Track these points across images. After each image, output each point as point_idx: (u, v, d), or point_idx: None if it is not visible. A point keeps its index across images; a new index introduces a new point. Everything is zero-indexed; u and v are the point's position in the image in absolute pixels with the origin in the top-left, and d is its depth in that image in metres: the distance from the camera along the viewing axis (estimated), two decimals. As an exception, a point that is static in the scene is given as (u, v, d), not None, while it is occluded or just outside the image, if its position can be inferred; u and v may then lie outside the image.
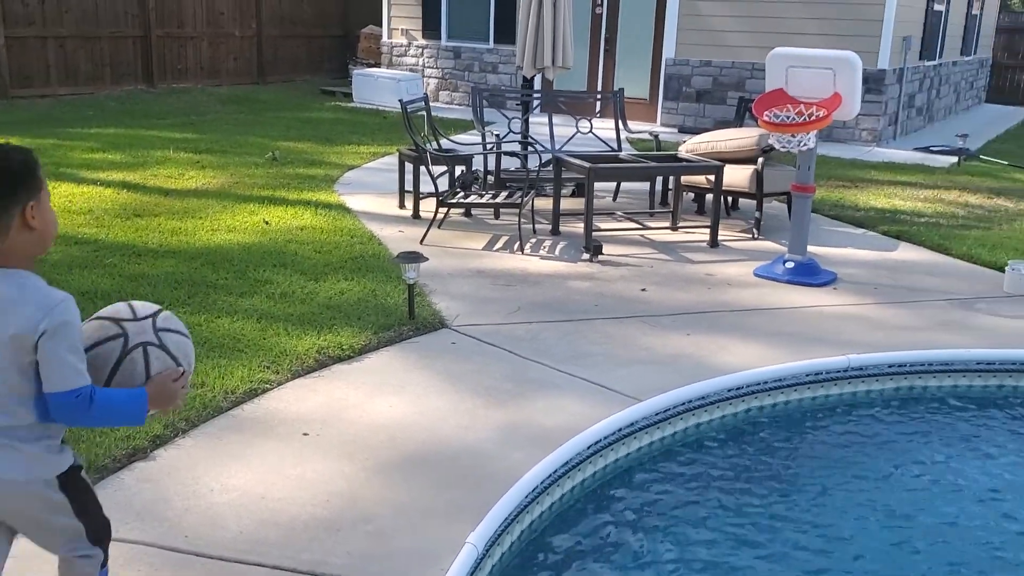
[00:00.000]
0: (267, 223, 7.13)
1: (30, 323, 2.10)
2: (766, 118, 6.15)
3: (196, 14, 16.01)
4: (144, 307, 2.40)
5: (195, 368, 3.89)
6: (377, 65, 16.71)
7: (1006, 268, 6.30)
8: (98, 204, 7.51)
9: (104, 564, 2.42)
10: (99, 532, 2.39)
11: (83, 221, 6.96)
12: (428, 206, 7.55)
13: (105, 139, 10.57)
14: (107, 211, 7.31)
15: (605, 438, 3.86)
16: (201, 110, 13.49)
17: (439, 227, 7.20)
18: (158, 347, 2.31)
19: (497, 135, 8.27)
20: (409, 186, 7.82)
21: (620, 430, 3.93)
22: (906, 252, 7.18)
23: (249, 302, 5.35)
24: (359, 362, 4.62)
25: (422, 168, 7.44)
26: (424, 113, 7.91)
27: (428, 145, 7.63)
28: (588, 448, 3.75)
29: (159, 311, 2.42)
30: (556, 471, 3.53)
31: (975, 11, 17.30)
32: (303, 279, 5.79)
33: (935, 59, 14.70)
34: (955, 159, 11.49)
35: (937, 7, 14.16)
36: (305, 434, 3.86)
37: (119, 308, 2.38)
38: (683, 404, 4.25)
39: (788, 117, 6.04)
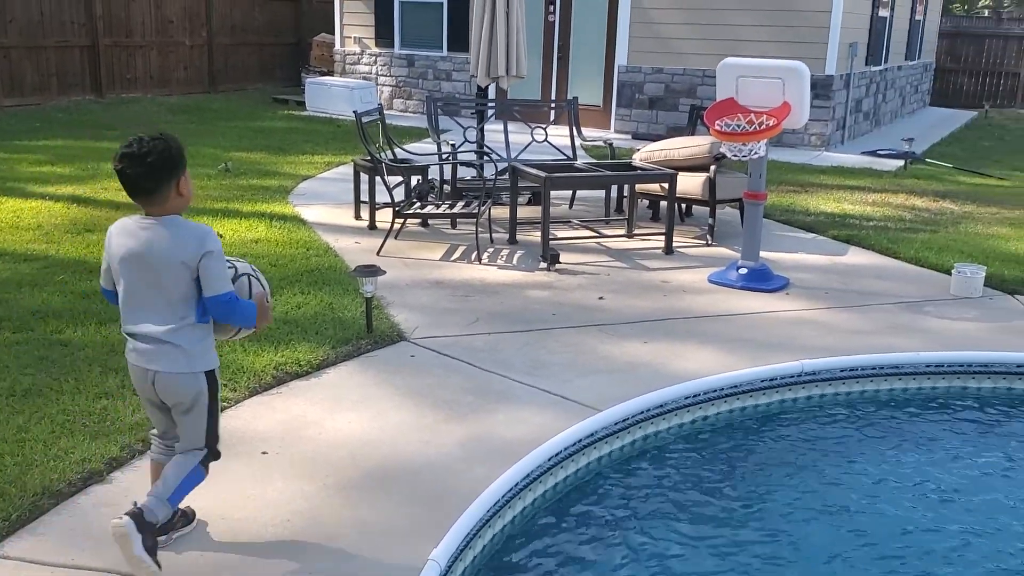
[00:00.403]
0: (220, 236, 7.04)
1: (192, 251, 2.89)
2: (717, 127, 6.24)
3: (145, 23, 15.80)
4: (239, 264, 3.21)
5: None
6: (330, 73, 16.62)
7: (952, 271, 6.46)
8: (47, 219, 7.39)
9: (206, 466, 3.11)
10: (212, 434, 3.12)
11: (32, 237, 6.84)
12: (384, 216, 7.53)
13: (53, 151, 10.39)
14: (57, 226, 7.18)
15: (565, 449, 3.89)
16: (152, 120, 13.31)
17: (396, 238, 7.19)
18: (256, 279, 3.20)
19: (452, 144, 8.29)
20: (365, 196, 7.80)
21: (580, 441, 3.96)
22: (856, 256, 7.32)
23: (205, 318, 5.29)
24: (317, 378, 4.60)
25: (378, 178, 7.43)
26: (379, 122, 7.90)
27: (383, 155, 7.62)
28: (549, 460, 3.77)
29: (252, 267, 3.28)
30: (517, 484, 3.55)
31: (918, 16, 17.70)
32: (259, 293, 5.74)
33: (881, 64, 15.02)
34: (901, 162, 11.75)
35: (882, 13, 14.47)
36: (264, 453, 3.84)
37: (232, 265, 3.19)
38: (642, 413, 4.30)
39: (739, 126, 6.14)
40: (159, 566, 2.90)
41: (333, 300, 5.65)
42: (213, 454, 3.14)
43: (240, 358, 4.70)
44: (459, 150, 8.29)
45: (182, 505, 3.17)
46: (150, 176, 2.90)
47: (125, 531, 2.84)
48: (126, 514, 2.87)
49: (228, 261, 3.08)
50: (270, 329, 5.13)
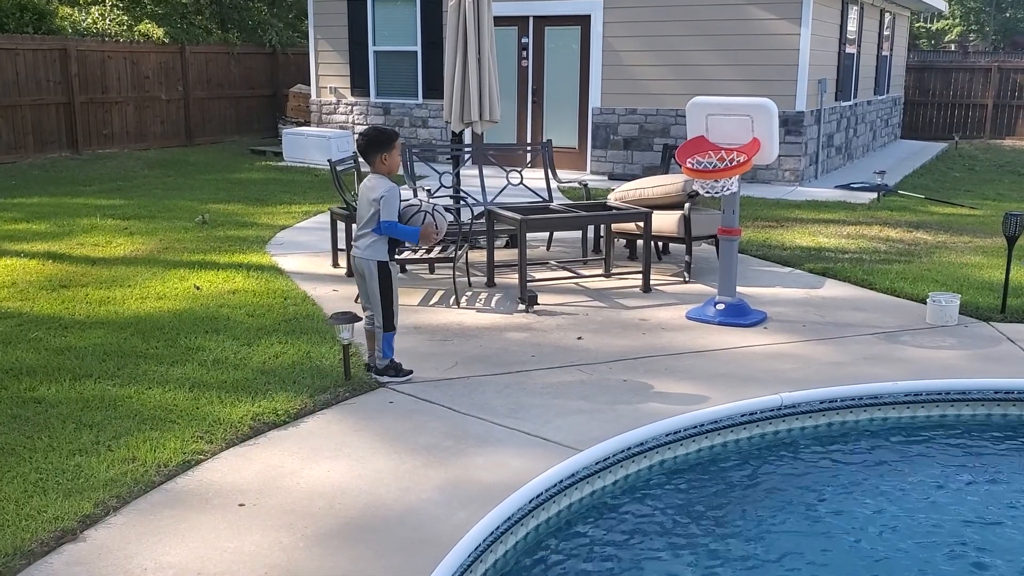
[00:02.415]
0: (198, 288, 7.04)
1: (378, 193, 4.97)
2: (689, 165, 6.30)
3: (121, 79, 15.88)
4: (437, 202, 5.35)
5: (126, 443, 4.18)
6: (307, 124, 16.72)
7: (927, 300, 6.51)
8: (22, 276, 7.34)
9: (392, 336, 5.14)
10: (387, 311, 5.09)
11: (6, 295, 6.79)
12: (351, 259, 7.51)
13: (28, 208, 10.36)
14: (31, 283, 7.14)
15: (546, 491, 3.86)
16: (128, 175, 13.32)
17: (360, 281, 7.17)
18: (430, 214, 5.07)
19: (428, 190, 8.32)
20: (342, 244, 7.80)
21: (560, 482, 3.93)
22: (832, 288, 7.37)
23: (181, 371, 5.26)
24: (295, 427, 4.56)
25: (354, 226, 7.42)
26: (355, 170, 7.93)
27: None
28: (529, 503, 3.74)
29: (435, 205, 5.18)
30: (498, 528, 3.52)
31: (885, 52, 18.05)
32: (236, 344, 5.71)
33: (850, 99, 15.26)
34: (874, 195, 11.89)
35: (849, 50, 14.74)
36: (241, 505, 3.78)
37: (421, 196, 6.06)
38: (622, 451, 4.28)
39: (710, 164, 6.20)
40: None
41: (311, 348, 5.62)
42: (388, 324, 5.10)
43: (217, 409, 4.66)
44: (435, 195, 8.31)
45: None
46: (366, 148, 5.07)
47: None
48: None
49: (416, 203, 5.18)
50: (247, 379, 5.11)
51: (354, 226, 7.41)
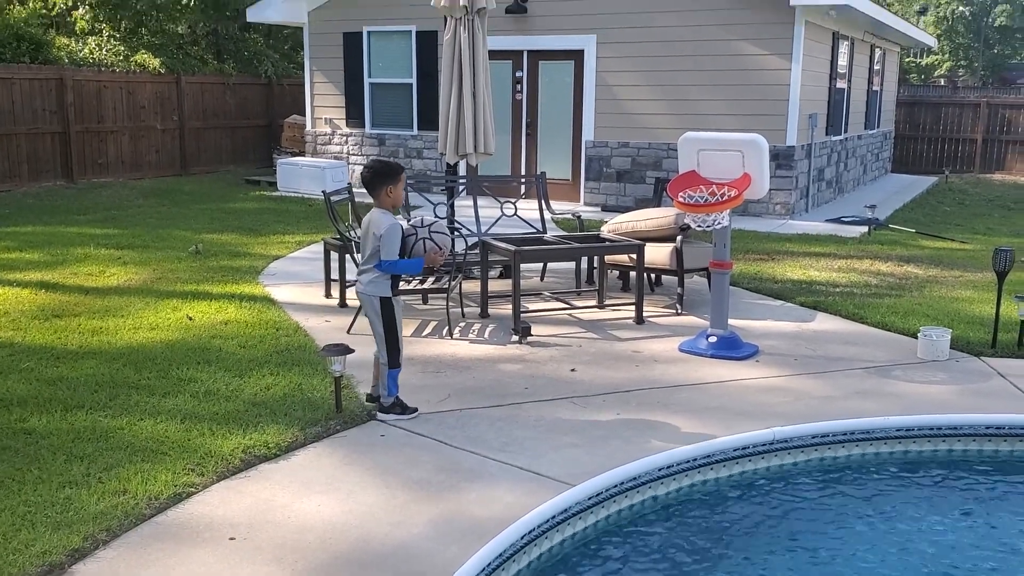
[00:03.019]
0: (191, 319, 7.03)
1: (381, 230, 4.93)
2: (681, 199, 6.35)
3: (116, 109, 15.95)
4: (427, 219, 5.19)
5: (117, 475, 4.11)
6: (302, 154, 16.80)
7: (919, 334, 6.54)
8: (14, 306, 7.33)
9: (396, 372, 5.13)
10: (392, 347, 5.08)
11: (-2, 324, 6.77)
12: (355, 294, 7.53)
13: (22, 238, 10.36)
14: (24, 312, 7.13)
15: (539, 526, 3.84)
16: (123, 204, 13.35)
17: (366, 315, 7.17)
18: (428, 238, 5.06)
19: (420, 219, 8.33)
20: (335, 274, 7.82)
21: (553, 517, 3.92)
22: (823, 322, 7.40)
23: (172, 402, 5.24)
24: (286, 460, 4.54)
25: (348, 256, 7.45)
26: (349, 201, 7.96)
27: (353, 234, 7.67)
28: (522, 538, 3.72)
29: (434, 223, 5.17)
30: (489, 564, 3.50)
31: (875, 87, 18.24)
32: (228, 375, 5.70)
33: (841, 134, 15.41)
34: (865, 229, 11.97)
35: (839, 85, 14.90)
36: (232, 539, 3.76)
37: (414, 222, 5.14)
38: (615, 486, 4.27)
39: (701, 198, 6.25)
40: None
41: (303, 380, 5.61)
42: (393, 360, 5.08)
43: (208, 442, 4.65)
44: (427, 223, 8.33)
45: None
46: (371, 180, 5.03)
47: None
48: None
49: (413, 226, 5.07)
50: (238, 411, 5.09)
51: (358, 256, 7.47)
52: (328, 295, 7.93)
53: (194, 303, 7.50)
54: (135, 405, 5.18)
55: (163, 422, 4.92)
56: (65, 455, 4.48)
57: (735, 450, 4.73)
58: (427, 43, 14.74)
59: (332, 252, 7.88)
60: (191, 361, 5.98)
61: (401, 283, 7.23)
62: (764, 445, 4.80)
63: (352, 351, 5.13)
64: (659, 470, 4.46)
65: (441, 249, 5.11)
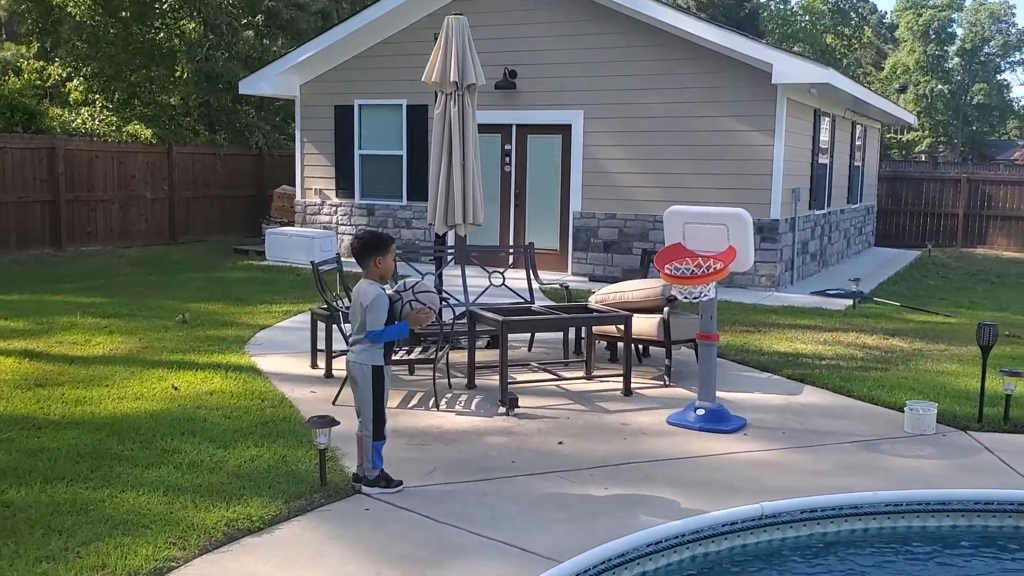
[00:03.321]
0: (176, 389, 6.98)
1: (368, 300, 4.94)
2: (667, 271, 6.40)
3: (107, 178, 16.07)
4: (410, 282, 5.14)
5: (96, 549, 4.09)
6: (291, 224, 16.89)
7: (905, 408, 6.55)
8: (-3, 375, 7.26)
9: (381, 444, 5.06)
10: (377, 419, 5.03)
11: (-20, 394, 6.70)
12: (341, 365, 7.50)
13: (7, 306, 10.31)
14: (6, 382, 7.06)
15: (525, 603, 3.78)
16: (111, 273, 13.35)
17: (351, 386, 7.14)
18: (415, 301, 5.03)
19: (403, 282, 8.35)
20: (322, 344, 7.80)
21: (540, 594, 3.86)
22: (810, 395, 7.41)
23: (156, 473, 5.17)
24: (269, 534, 4.47)
25: (335, 326, 7.45)
26: (337, 271, 7.99)
27: (340, 304, 7.68)
28: (508, 615, 3.66)
29: (417, 283, 5.13)
30: (475, 642, 3.43)
31: (857, 163, 18.58)
32: (212, 447, 5.65)
33: (824, 208, 15.63)
34: (850, 302, 12.06)
35: (822, 160, 15.17)
36: (212, 616, 3.68)
37: (397, 287, 5.10)
38: (603, 563, 4.21)
39: (688, 270, 6.31)
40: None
41: (287, 452, 5.56)
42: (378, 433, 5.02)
43: (191, 514, 4.58)
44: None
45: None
46: (361, 251, 5.06)
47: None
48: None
49: (397, 291, 5.04)
50: (222, 483, 5.03)
51: (345, 326, 7.47)
52: (314, 365, 7.90)
53: (180, 373, 7.46)
54: (117, 476, 5.11)
55: (145, 494, 4.85)
56: (43, 528, 4.40)
57: (723, 525, 4.69)
58: (417, 116, 14.98)
59: (319, 322, 7.87)
60: (175, 432, 5.92)
61: (393, 353, 7.25)
62: (753, 520, 4.76)
63: (337, 423, 5.09)
64: (647, 546, 4.41)
65: (427, 307, 5.08)
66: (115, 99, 18.67)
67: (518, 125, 14.40)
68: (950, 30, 66.12)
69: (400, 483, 5.09)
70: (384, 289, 5.07)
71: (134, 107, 18.79)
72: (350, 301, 8.21)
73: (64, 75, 19.17)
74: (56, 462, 5.31)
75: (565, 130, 14.04)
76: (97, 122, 17.24)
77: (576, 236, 14.12)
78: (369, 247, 5.05)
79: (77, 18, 17.92)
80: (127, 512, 4.61)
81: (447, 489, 5.13)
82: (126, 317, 9.85)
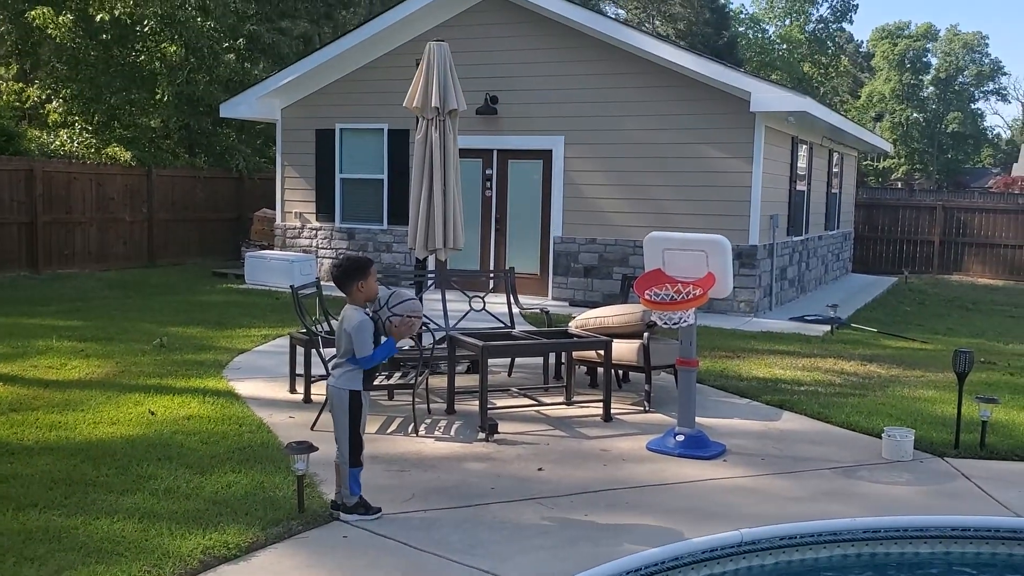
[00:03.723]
0: (152, 414, 6.91)
1: (352, 326, 4.92)
2: (647, 297, 6.43)
3: (86, 200, 15.98)
4: (383, 297, 5.05)
5: None
6: (271, 247, 16.84)
7: (883, 435, 6.58)
8: (-30, 399, 7.17)
9: (358, 471, 5.04)
10: (354, 445, 5.01)
11: (-48, 418, 6.61)
12: (320, 389, 7.47)
13: (-18, 328, 10.19)
14: (-21, 406, 6.97)
15: (504, 632, 3.76)
16: (88, 296, 13.23)
17: (331, 411, 7.10)
18: (393, 316, 4.98)
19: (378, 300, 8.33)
20: (300, 369, 7.76)
21: (519, 622, 3.83)
22: (789, 421, 7.43)
23: (131, 500, 5.11)
24: (246, 562, 4.42)
25: (314, 351, 7.41)
26: (316, 295, 7.97)
27: (320, 328, 7.65)
28: (486, 644, 3.63)
29: (392, 294, 5.08)
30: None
31: (835, 190, 18.77)
32: (189, 472, 5.59)
33: (802, 234, 15.76)
34: (828, 327, 12.14)
35: (799, 187, 15.32)
36: (186, 646, 3.63)
37: (374, 306, 5.02)
38: (582, 590, 4.20)
39: (667, 296, 6.34)
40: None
41: (265, 478, 5.51)
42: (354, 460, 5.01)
43: (166, 541, 4.52)
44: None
45: None
46: (342, 279, 5.00)
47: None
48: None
49: (375, 311, 4.97)
50: (198, 510, 4.98)
51: (324, 351, 7.44)
52: (293, 390, 7.85)
53: (157, 397, 7.39)
54: (91, 503, 5.04)
55: (120, 521, 4.79)
56: (15, 557, 4.34)
57: (703, 552, 4.69)
58: (399, 141, 15.01)
59: (298, 346, 7.83)
60: (151, 457, 5.86)
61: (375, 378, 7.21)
62: (732, 547, 4.76)
63: (316, 449, 5.06)
64: (627, 573, 4.40)
65: (407, 317, 4.98)
66: (95, 121, 18.59)
67: (499, 150, 14.46)
68: (925, 59, 67.21)
69: (379, 510, 5.05)
70: (368, 313, 5.03)
71: (114, 129, 18.72)
72: (330, 326, 8.25)
73: (43, 97, 19.09)
74: (29, 488, 5.23)
75: (546, 155, 14.11)
76: (76, 144, 17.15)
77: (557, 261, 14.16)
78: (349, 273, 5.00)
79: (57, 40, 17.87)
80: (101, 539, 4.55)
81: (426, 516, 5.10)
82: (103, 341, 9.76)
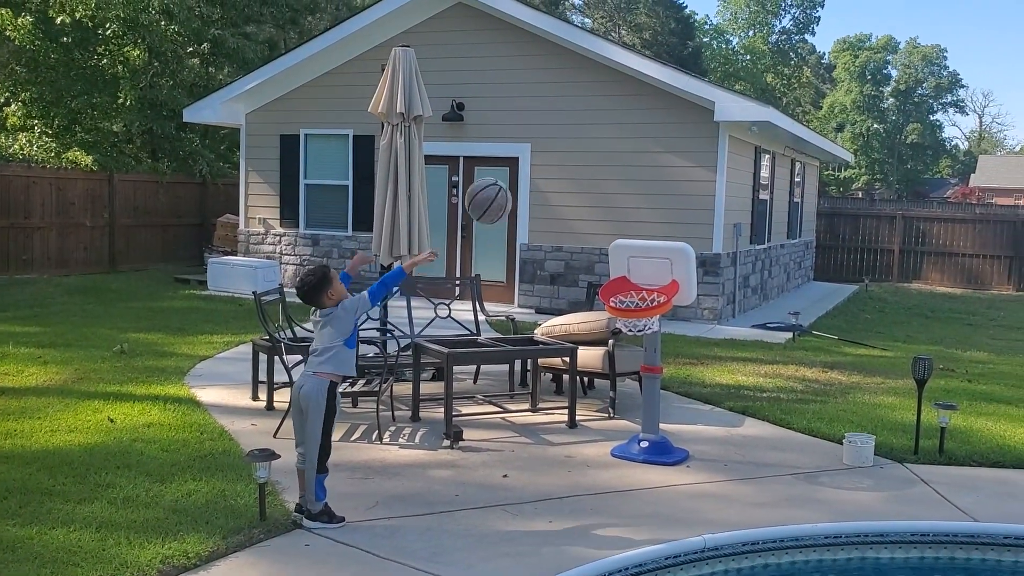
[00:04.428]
0: (112, 421, 6.81)
1: (348, 302, 5.03)
2: (612, 304, 6.45)
3: (45, 204, 15.72)
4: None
5: None
6: (234, 253, 16.67)
7: (844, 441, 6.65)
8: (-78, 407, 7.01)
9: (324, 477, 4.99)
10: (323, 449, 4.96)
11: (-97, 426, 6.46)
12: (283, 396, 7.41)
13: (-65, 335, 9.98)
14: (-68, 414, 6.82)
15: (467, 639, 3.74)
16: (46, 302, 13.01)
17: (293, 416, 7.03)
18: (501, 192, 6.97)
19: (355, 322, 8.29)
20: (263, 376, 7.68)
21: (482, 630, 3.82)
22: (752, 427, 7.49)
23: (88, 509, 5.02)
24: (206, 571, 4.36)
25: (277, 358, 7.34)
26: (280, 301, 7.90)
27: (282, 335, 7.58)
28: (450, 652, 3.62)
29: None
30: None
31: (797, 199, 19.00)
32: (148, 481, 5.51)
33: (764, 243, 15.93)
34: (790, 335, 12.27)
35: (762, 196, 15.48)
36: (144, 657, 3.57)
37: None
38: (546, 597, 4.19)
39: (632, 303, 6.37)
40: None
41: (226, 486, 5.44)
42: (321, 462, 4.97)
43: (124, 551, 4.45)
44: (361, 327, 8.29)
45: None
46: (309, 295, 5.00)
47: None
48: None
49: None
50: (158, 519, 4.91)
51: (287, 358, 7.36)
52: (255, 398, 7.77)
53: (116, 405, 7.28)
54: (47, 513, 4.95)
55: (77, 531, 4.70)
56: (-33, 568, 4.24)
57: (666, 558, 4.70)
58: (364, 146, 14.95)
59: (261, 353, 7.76)
60: (110, 465, 5.76)
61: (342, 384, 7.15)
62: (696, 553, 4.79)
63: (278, 456, 5.01)
64: (591, 579, 4.40)
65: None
66: (55, 125, 18.31)
67: (465, 157, 14.45)
68: (885, 71, 68.33)
69: (342, 519, 5.00)
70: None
71: (75, 133, 18.45)
72: (293, 332, 8.19)
73: (2, 100, 18.77)
74: (-17, 498, 5.12)
75: (512, 163, 14.13)
76: (36, 148, 16.88)
77: (523, 268, 14.17)
78: (315, 287, 4.99)
79: (16, 42, 17.57)
80: (57, 550, 4.47)
81: (390, 524, 5.07)
82: (61, 347, 9.60)
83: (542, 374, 8.16)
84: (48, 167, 16.06)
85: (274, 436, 6.61)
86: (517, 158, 14.06)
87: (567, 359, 7.52)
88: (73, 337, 10.19)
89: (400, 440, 6.77)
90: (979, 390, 9.12)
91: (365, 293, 5.11)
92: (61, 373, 8.38)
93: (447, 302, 8.51)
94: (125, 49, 18.31)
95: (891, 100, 67.81)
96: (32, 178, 15.50)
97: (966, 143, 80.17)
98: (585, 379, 8.51)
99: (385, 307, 8.80)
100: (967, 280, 22.32)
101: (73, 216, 16.24)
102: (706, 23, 65.34)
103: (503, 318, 9.48)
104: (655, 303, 6.31)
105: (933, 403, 7.02)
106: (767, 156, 15.65)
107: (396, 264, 5.06)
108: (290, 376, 6.87)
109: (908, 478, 6.28)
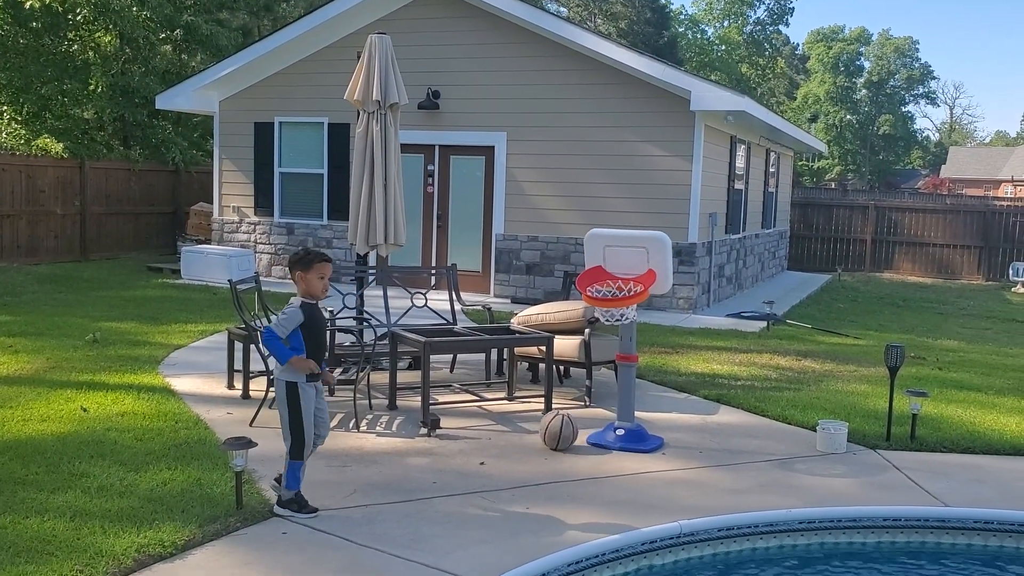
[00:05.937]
0: (85, 410, 6.74)
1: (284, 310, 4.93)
2: (589, 293, 6.47)
3: (14, 192, 15.51)
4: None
5: None
6: (208, 242, 16.55)
7: (817, 428, 6.73)
8: None
9: (298, 465, 4.94)
10: (296, 436, 4.91)
11: None
12: (259, 385, 7.38)
13: (-97, 324, 9.84)
14: (-99, 404, 6.73)
15: (445, 625, 3.75)
16: (16, 290, 12.84)
17: (270, 407, 7.01)
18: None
19: (331, 311, 8.27)
20: (239, 365, 7.64)
21: (460, 616, 3.83)
22: (726, 415, 7.56)
23: (62, 498, 4.98)
24: (182, 559, 4.34)
25: (253, 346, 7.30)
26: (255, 290, 7.85)
27: (258, 323, 7.54)
28: (428, 638, 3.63)
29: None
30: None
31: (771, 189, 19.13)
32: (123, 470, 5.47)
33: (739, 232, 16.03)
34: (764, 324, 12.36)
35: (737, 186, 15.57)
36: (120, 646, 3.55)
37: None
38: (524, 583, 4.21)
39: (609, 292, 6.39)
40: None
41: (202, 475, 5.42)
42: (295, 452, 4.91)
43: (99, 540, 4.42)
44: (338, 316, 8.28)
45: None
46: (290, 264, 5.13)
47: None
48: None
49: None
50: (132, 508, 4.87)
51: (263, 347, 7.33)
52: (231, 386, 7.73)
53: (89, 394, 7.21)
54: (20, 502, 4.90)
55: (51, 520, 4.66)
56: (-61, 558, 4.20)
57: (643, 544, 4.74)
58: (339, 135, 14.87)
59: (236, 342, 7.71)
60: (84, 455, 5.71)
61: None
62: (671, 539, 4.83)
63: (254, 445, 4.99)
64: (568, 565, 4.43)
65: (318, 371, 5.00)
66: (24, 112, 18.05)
67: (441, 146, 14.42)
68: (858, 63, 68.86)
69: (315, 510, 4.97)
70: (316, 307, 5.01)
71: (45, 120, 18.20)
72: (269, 321, 8.14)
73: (-31, 86, 18.48)
74: (-46, 488, 5.06)
75: (488, 152, 14.11)
76: (4, 135, 16.63)
77: (499, 258, 14.17)
78: (293, 262, 5.13)
79: (-15, 27, 17.33)
80: (31, 539, 4.43)
81: (367, 511, 5.07)
82: (32, 336, 9.48)
83: (518, 363, 8.17)
84: (18, 154, 15.84)
85: (250, 425, 6.58)
86: (493, 147, 14.05)
87: (543, 348, 7.53)
88: (45, 326, 10.07)
89: (377, 428, 6.76)
90: (950, 378, 9.24)
91: (274, 327, 4.91)
92: (33, 362, 8.29)
93: (423, 292, 8.50)
94: (96, 35, 18.09)
95: (864, 91, 68.37)
96: (1, 166, 15.28)
97: (937, 134, 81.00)
98: (561, 368, 8.54)
99: (361, 296, 8.78)
100: (938, 270, 22.60)
101: (43, 204, 16.04)
102: (681, 13, 65.53)
103: (480, 308, 9.48)
104: (632, 292, 6.34)
105: (905, 390, 7.11)
106: (742, 146, 15.73)
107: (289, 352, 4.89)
108: (266, 364, 6.84)
109: (880, 464, 6.36)
